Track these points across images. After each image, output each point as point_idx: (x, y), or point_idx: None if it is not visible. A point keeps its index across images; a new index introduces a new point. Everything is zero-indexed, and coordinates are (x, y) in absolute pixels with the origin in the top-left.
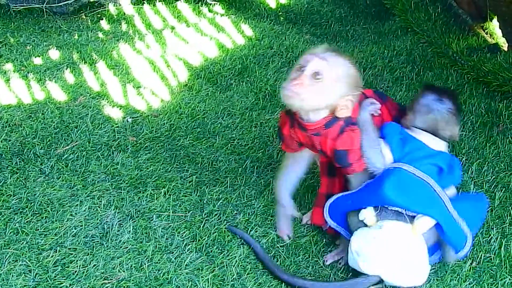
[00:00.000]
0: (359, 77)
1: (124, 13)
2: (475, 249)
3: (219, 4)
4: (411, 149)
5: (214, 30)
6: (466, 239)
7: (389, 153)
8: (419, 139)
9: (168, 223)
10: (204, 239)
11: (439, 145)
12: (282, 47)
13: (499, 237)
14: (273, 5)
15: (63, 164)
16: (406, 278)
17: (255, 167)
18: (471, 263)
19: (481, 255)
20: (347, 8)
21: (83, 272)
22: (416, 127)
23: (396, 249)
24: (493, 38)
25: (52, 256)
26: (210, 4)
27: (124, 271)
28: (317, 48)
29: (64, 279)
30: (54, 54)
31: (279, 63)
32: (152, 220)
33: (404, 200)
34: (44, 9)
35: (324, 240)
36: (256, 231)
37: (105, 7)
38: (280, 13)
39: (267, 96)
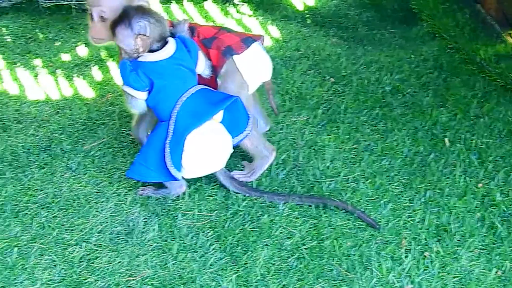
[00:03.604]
0: None
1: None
2: (500, 258)
3: (247, 5)
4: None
5: (242, 31)
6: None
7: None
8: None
9: (193, 222)
10: (228, 239)
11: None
12: (309, 50)
13: None
14: (300, 7)
15: (89, 160)
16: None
17: (280, 169)
18: (496, 272)
19: (507, 264)
20: (374, 12)
21: (108, 269)
22: None
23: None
24: None
25: (77, 251)
26: (238, 4)
27: (148, 269)
28: None
29: (89, 275)
30: (82, 50)
31: (306, 66)
32: (177, 218)
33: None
34: (73, 6)
35: (349, 242)
36: (280, 232)
37: None
38: (308, 15)
39: (293, 98)
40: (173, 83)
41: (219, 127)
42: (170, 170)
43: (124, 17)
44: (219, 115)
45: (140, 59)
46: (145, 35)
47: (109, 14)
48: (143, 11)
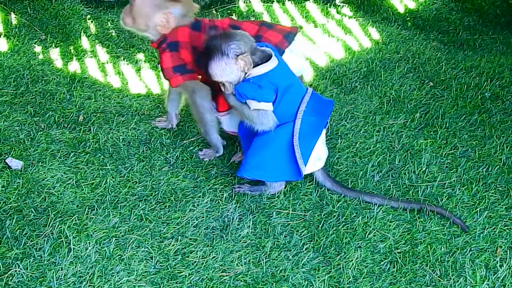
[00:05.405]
0: None
1: (254, 10)
2: None
3: (348, 6)
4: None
5: (342, 32)
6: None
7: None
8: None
9: (287, 221)
10: (322, 240)
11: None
12: (409, 53)
13: None
14: (401, 9)
15: (187, 155)
16: None
17: (376, 172)
18: None
19: None
20: (476, 17)
21: (202, 263)
22: None
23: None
24: None
25: (173, 245)
26: (339, 6)
27: (242, 265)
28: None
29: (184, 268)
30: None
31: (405, 68)
32: (271, 217)
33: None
34: None
35: (443, 248)
36: (374, 235)
37: (235, 3)
38: (408, 18)
39: (391, 101)
40: (294, 85)
41: None
42: (301, 168)
43: (212, 51)
44: None
45: (254, 74)
46: (243, 53)
47: (137, 1)
48: (222, 35)
